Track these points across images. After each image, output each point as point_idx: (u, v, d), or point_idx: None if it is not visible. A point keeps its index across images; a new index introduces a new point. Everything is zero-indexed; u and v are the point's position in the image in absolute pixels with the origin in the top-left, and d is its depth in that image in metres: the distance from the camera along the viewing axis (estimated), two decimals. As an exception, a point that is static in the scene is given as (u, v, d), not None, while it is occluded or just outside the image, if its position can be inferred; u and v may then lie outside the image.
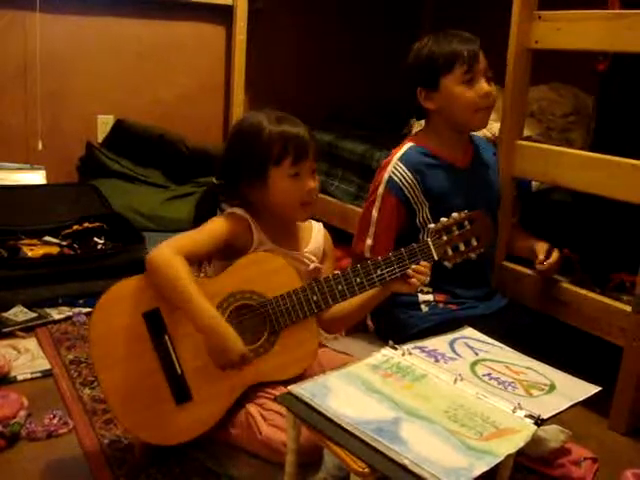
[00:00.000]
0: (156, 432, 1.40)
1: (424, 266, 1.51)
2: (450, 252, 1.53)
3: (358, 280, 1.47)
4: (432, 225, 1.54)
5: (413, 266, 1.50)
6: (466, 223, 1.54)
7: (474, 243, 1.55)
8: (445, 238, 1.53)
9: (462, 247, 1.54)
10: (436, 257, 1.52)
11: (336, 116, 3.36)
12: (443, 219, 1.54)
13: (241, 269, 1.46)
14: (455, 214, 1.54)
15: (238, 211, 1.54)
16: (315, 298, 1.46)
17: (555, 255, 1.87)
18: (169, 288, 1.38)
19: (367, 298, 1.55)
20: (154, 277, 1.40)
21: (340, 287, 1.47)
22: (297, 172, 1.50)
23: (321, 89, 3.50)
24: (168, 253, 1.40)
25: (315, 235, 1.65)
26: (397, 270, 1.49)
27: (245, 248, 1.51)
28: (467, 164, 1.90)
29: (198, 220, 1.54)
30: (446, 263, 1.54)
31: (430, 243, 1.52)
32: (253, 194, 1.53)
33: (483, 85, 1.77)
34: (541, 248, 1.89)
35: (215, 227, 1.50)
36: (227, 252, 1.50)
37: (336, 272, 1.50)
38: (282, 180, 1.50)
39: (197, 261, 1.48)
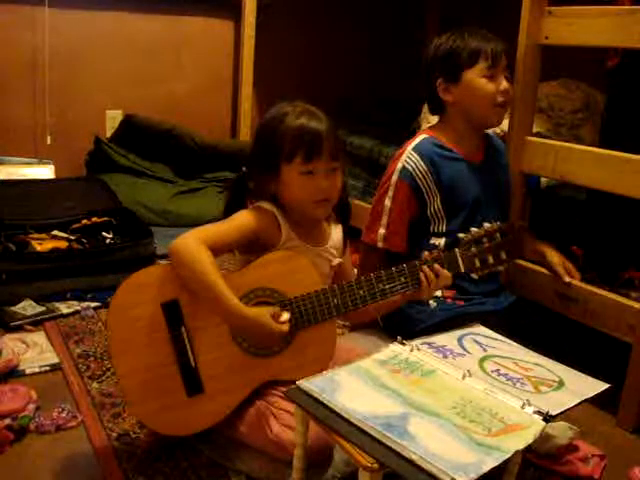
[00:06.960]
0: (165, 422, 1.40)
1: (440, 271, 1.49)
2: (478, 264, 1.51)
3: (381, 287, 1.46)
4: (462, 235, 1.52)
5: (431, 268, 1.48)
6: (497, 235, 1.51)
7: (503, 256, 1.52)
8: (474, 250, 1.51)
9: (491, 260, 1.51)
10: (463, 269, 1.51)
11: (343, 111, 3.35)
12: (474, 229, 1.52)
13: (264, 266, 1.44)
14: (487, 224, 1.52)
15: (265, 205, 1.51)
16: (336, 301, 1.44)
17: (571, 266, 1.87)
18: (193, 278, 1.36)
19: (389, 303, 1.54)
20: (177, 266, 1.37)
21: (362, 292, 1.45)
22: (310, 170, 1.45)
23: (328, 84, 3.49)
24: (193, 243, 1.37)
25: (334, 229, 1.62)
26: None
27: (272, 243, 1.48)
28: (481, 160, 1.90)
29: (228, 212, 1.52)
30: (472, 275, 1.53)
31: (458, 254, 1.50)
32: (266, 186, 1.50)
33: (503, 82, 1.80)
34: (558, 266, 1.87)
35: (242, 220, 1.47)
36: (253, 246, 1.47)
37: (360, 277, 1.48)
38: (294, 177, 1.45)
39: (222, 253, 1.46)
